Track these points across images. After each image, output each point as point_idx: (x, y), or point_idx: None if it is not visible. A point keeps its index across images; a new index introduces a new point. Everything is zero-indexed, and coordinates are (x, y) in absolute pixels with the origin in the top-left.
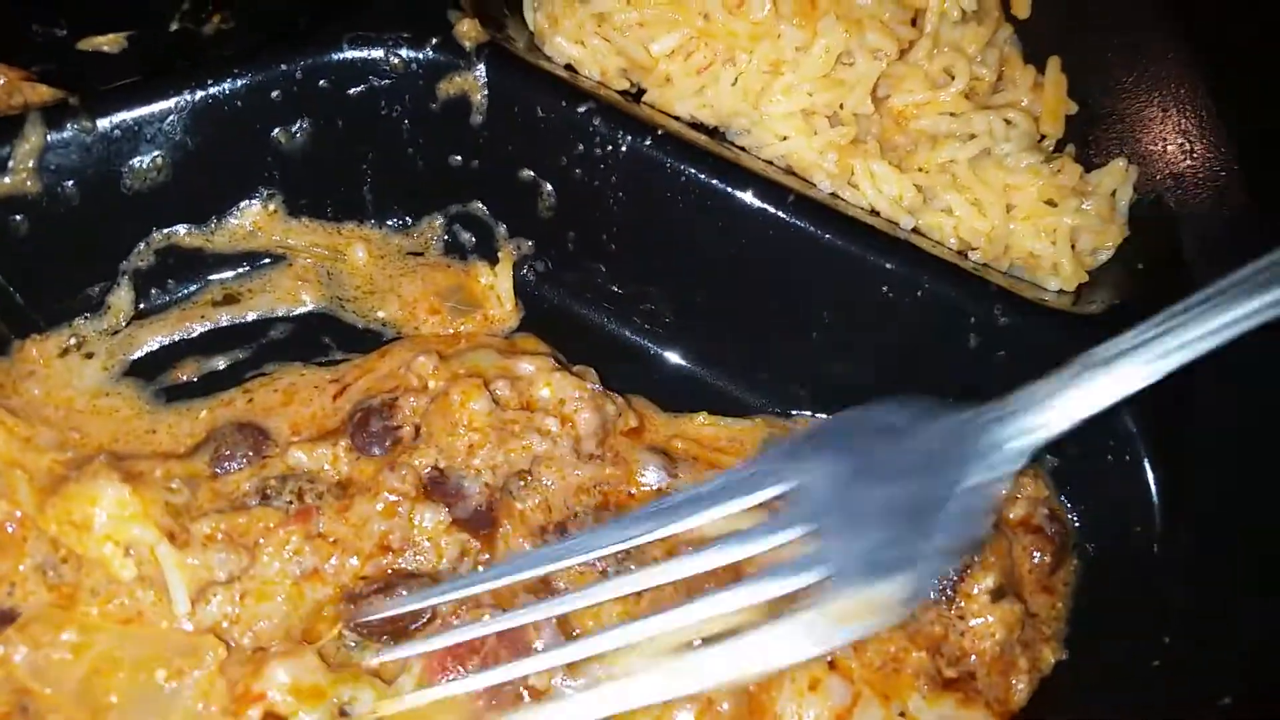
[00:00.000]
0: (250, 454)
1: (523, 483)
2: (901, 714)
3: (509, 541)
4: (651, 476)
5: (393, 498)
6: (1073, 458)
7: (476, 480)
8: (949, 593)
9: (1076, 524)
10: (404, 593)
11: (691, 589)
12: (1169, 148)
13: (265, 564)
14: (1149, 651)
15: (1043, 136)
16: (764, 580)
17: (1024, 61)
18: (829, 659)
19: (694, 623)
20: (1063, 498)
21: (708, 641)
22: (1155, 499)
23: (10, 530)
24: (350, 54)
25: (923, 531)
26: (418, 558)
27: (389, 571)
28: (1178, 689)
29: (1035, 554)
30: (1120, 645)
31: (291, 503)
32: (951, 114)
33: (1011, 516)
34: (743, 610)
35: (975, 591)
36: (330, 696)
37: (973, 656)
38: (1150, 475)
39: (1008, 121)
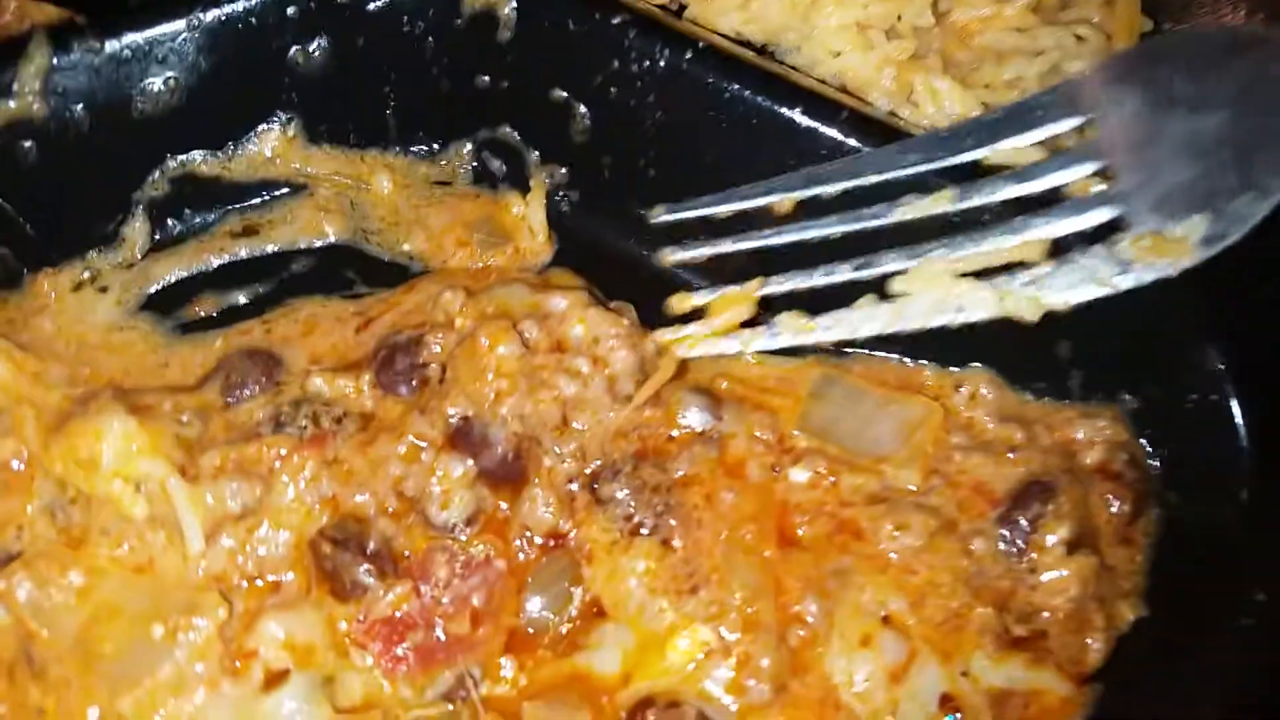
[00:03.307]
0: (263, 380)
1: (557, 433)
2: (964, 674)
3: (534, 502)
4: (694, 419)
5: (420, 443)
6: (1154, 399)
7: (503, 429)
8: (1019, 544)
9: (1158, 471)
10: (371, 545)
11: (970, 222)
12: None
13: (280, 492)
14: (1238, 609)
15: None
16: (1046, 217)
17: None
18: (883, 613)
19: (970, 254)
20: (1143, 442)
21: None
22: (1244, 443)
23: (17, 469)
24: None
25: (1235, 166)
26: (430, 507)
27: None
28: (1273, 650)
29: (1113, 503)
30: (1206, 602)
31: (306, 428)
32: (1018, 29)
33: (1088, 462)
34: (1023, 247)
35: (1048, 543)
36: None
37: (1044, 613)
38: (1239, 418)
39: (1078, 37)
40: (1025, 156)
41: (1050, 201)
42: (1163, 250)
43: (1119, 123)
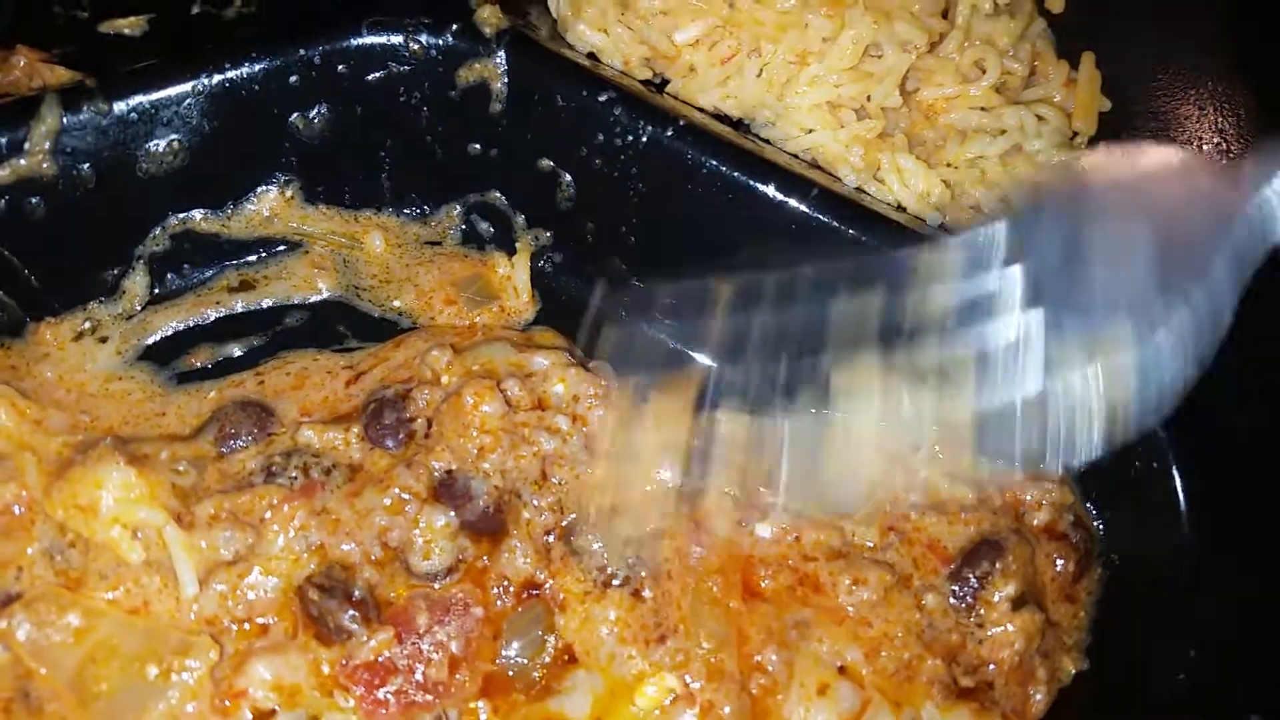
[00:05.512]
0: (255, 431)
1: (536, 487)
2: None
3: (513, 553)
4: (669, 474)
5: (404, 495)
6: (1100, 464)
7: (485, 483)
8: (968, 600)
9: (1101, 532)
10: (357, 593)
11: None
12: (1205, 148)
13: (270, 540)
14: (1173, 664)
15: (1075, 134)
16: (976, 324)
17: (1057, 56)
18: (840, 664)
19: (903, 357)
20: (1088, 504)
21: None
22: (1183, 507)
23: (18, 513)
24: (370, 39)
25: (1154, 274)
26: (413, 557)
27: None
28: (1203, 704)
29: (1058, 561)
30: (1144, 657)
31: (296, 478)
32: (982, 109)
33: (1035, 523)
34: (955, 350)
35: (995, 599)
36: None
37: (990, 665)
38: (1179, 483)
39: (1040, 117)
40: (955, 266)
41: (980, 308)
42: (1090, 351)
43: (1044, 236)
